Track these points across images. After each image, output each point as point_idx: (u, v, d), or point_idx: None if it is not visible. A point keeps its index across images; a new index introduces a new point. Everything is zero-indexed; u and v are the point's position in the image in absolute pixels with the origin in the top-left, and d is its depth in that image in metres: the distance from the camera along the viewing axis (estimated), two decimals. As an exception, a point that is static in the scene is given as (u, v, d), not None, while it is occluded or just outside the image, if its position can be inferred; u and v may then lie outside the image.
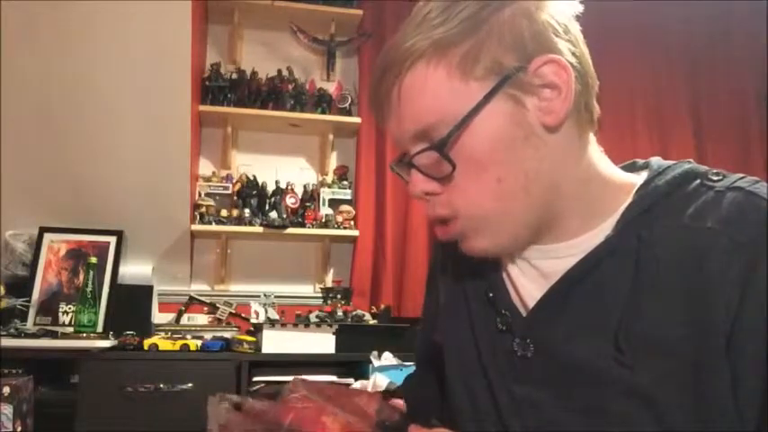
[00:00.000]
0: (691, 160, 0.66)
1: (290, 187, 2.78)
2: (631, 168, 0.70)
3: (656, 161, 0.67)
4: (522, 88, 0.59)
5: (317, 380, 0.56)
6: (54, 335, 2.15)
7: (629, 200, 0.63)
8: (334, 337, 2.25)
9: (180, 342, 2.13)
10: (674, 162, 0.66)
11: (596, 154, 0.66)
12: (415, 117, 0.62)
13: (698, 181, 0.62)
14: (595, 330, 0.59)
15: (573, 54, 0.61)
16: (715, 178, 0.61)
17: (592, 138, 0.66)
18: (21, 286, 2.38)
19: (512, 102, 0.59)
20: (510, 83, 0.59)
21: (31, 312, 2.35)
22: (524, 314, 0.66)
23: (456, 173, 0.60)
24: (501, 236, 0.63)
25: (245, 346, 2.21)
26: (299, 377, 0.57)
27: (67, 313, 2.37)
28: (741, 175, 0.62)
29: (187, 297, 2.66)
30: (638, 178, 0.65)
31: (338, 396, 0.56)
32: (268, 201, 2.72)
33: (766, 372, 0.53)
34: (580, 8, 0.64)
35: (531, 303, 0.65)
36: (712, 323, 0.54)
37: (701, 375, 0.54)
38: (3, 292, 2.25)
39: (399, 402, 0.76)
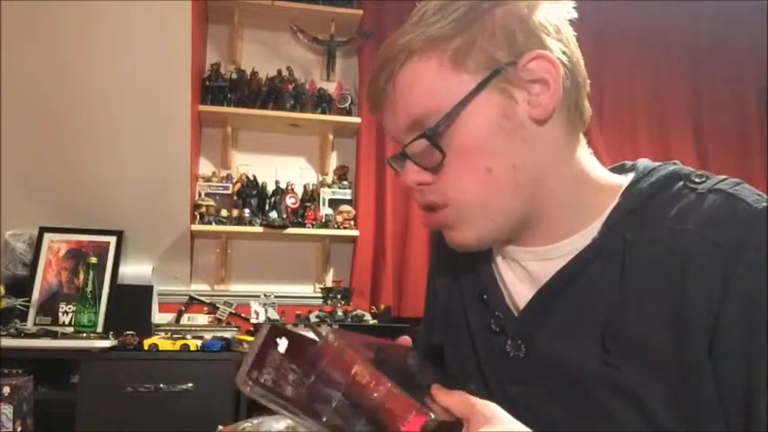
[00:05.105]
0: (677, 161, 0.66)
1: (290, 187, 2.78)
2: (620, 170, 0.70)
3: (643, 163, 0.68)
4: (512, 82, 0.61)
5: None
6: (54, 335, 2.15)
7: (615, 201, 0.63)
8: (333, 337, 2.24)
9: (180, 342, 2.13)
10: (660, 163, 0.66)
11: (585, 155, 0.67)
12: (408, 109, 0.63)
13: (681, 183, 0.62)
14: (583, 331, 0.60)
15: (563, 53, 0.62)
16: (698, 180, 0.62)
17: (582, 139, 0.67)
18: (21, 286, 2.38)
19: (502, 95, 0.61)
20: (500, 77, 0.60)
21: (31, 312, 2.35)
22: (517, 315, 0.66)
23: (447, 162, 0.62)
24: (486, 227, 0.64)
25: (245, 346, 2.21)
26: (337, 328, 0.58)
27: (67, 313, 2.38)
28: (723, 176, 0.62)
29: (187, 297, 2.66)
30: (625, 180, 0.66)
31: (372, 348, 0.57)
32: (268, 201, 2.73)
33: (747, 372, 0.53)
34: (574, 14, 0.65)
35: (523, 305, 0.66)
36: (694, 324, 0.55)
37: (686, 375, 0.55)
38: (3, 292, 2.26)
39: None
